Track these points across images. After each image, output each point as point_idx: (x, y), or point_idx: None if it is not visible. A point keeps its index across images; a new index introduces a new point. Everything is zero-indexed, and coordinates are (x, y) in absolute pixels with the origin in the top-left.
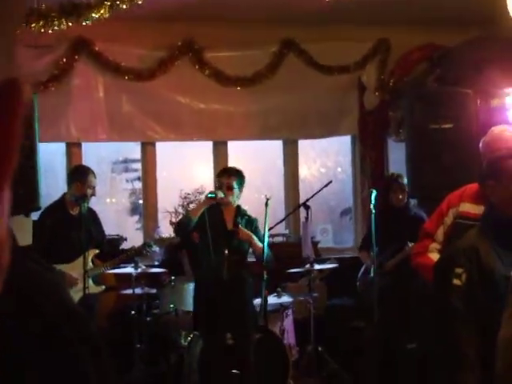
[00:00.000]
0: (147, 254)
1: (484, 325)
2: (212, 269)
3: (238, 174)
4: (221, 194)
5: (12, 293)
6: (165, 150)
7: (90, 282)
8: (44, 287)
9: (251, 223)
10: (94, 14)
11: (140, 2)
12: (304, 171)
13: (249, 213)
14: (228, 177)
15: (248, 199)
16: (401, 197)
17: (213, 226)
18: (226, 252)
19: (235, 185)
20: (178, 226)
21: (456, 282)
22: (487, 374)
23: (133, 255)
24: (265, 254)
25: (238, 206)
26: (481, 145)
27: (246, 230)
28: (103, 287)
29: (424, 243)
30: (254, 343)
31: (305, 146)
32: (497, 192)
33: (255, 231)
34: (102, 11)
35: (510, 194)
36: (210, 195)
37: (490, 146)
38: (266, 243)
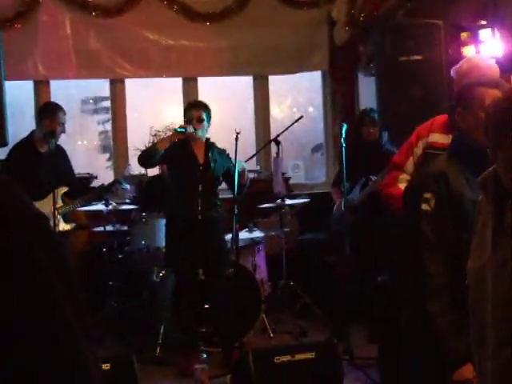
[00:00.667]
0: (117, 191)
1: (452, 250)
2: (185, 204)
3: (206, 107)
4: (190, 129)
5: None
6: (134, 88)
7: (61, 219)
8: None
9: (222, 154)
10: None
11: None
12: (275, 109)
13: (218, 145)
14: (197, 109)
15: (219, 136)
16: (372, 130)
17: (184, 161)
18: (200, 188)
19: (204, 117)
20: (143, 156)
21: (425, 206)
22: (457, 299)
23: (102, 192)
24: (236, 184)
25: (207, 140)
26: (454, 73)
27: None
28: (74, 225)
29: (393, 174)
30: (225, 279)
31: (275, 82)
32: (466, 119)
33: (229, 160)
34: None
35: (479, 121)
36: (179, 129)
37: (465, 75)
38: (236, 176)
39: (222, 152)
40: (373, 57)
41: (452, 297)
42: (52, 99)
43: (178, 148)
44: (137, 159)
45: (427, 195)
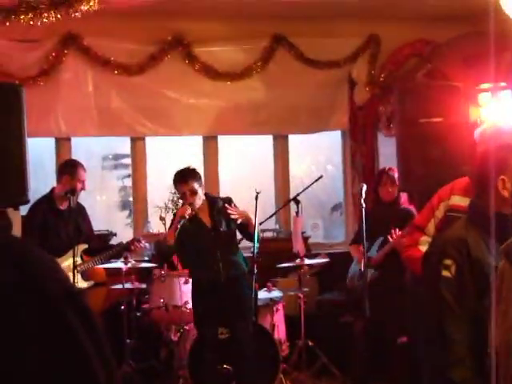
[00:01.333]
0: (136, 249)
1: (473, 316)
2: (208, 270)
3: (193, 175)
4: (188, 211)
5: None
6: (155, 145)
7: (79, 277)
8: (46, 265)
9: (225, 202)
10: (83, 7)
11: None
12: (294, 167)
13: (216, 196)
14: (186, 184)
15: (239, 195)
16: (391, 190)
17: (195, 234)
18: (218, 253)
19: (197, 187)
20: (161, 256)
21: (445, 273)
22: (479, 367)
23: (121, 250)
24: (255, 245)
25: (206, 196)
26: (477, 136)
27: (235, 209)
28: (92, 282)
29: (414, 236)
30: (250, 337)
31: (295, 141)
32: (508, 187)
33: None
34: (91, 3)
35: None
36: (181, 222)
37: (490, 139)
38: (256, 237)
39: (225, 201)
40: (392, 117)
41: (475, 365)
42: (73, 156)
43: (184, 226)
44: (152, 260)
45: (448, 262)
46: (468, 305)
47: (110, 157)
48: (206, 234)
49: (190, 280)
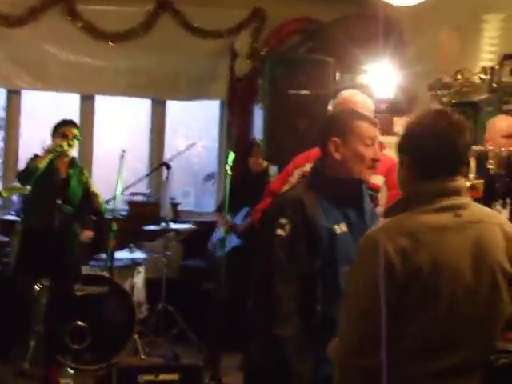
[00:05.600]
0: None
1: (303, 275)
2: (43, 216)
3: (77, 125)
4: (65, 146)
5: None
6: (31, 100)
7: None
8: None
9: (82, 174)
10: None
11: None
12: (171, 135)
13: (80, 164)
14: (72, 127)
15: (112, 157)
16: (260, 161)
17: (46, 174)
18: (59, 202)
19: (77, 134)
20: (24, 174)
21: (280, 232)
22: (306, 321)
23: None
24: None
25: (73, 158)
26: (330, 107)
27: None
28: None
29: (266, 201)
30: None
31: (174, 108)
32: (341, 150)
33: (83, 182)
34: None
35: (357, 153)
36: (59, 149)
37: (341, 108)
38: (118, 194)
39: (82, 173)
40: (263, 89)
41: (302, 322)
42: None
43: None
44: (16, 177)
45: (283, 221)
46: (299, 264)
47: None
48: (56, 180)
49: None
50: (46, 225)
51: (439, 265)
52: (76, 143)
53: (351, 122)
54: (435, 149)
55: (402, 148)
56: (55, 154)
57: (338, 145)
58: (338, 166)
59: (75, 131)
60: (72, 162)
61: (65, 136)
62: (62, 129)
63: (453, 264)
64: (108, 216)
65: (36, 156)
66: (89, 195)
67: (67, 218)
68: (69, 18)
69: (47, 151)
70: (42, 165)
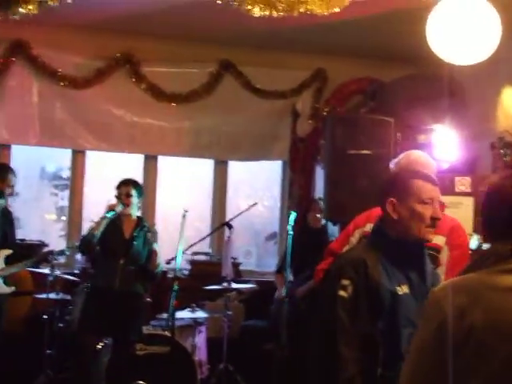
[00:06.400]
0: (51, 261)
1: (366, 337)
2: (105, 276)
3: (135, 184)
4: (119, 208)
5: None
6: (96, 160)
7: (1, 281)
8: None
9: (148, 233)
10: (21, 9)
11: (69, 1)
12: (233, 194)
13: (148, 225)
14: (126, 186)
15: (175, 216)
16: (318, 216)
17: (110, 235)
18: (122, 261)
19: (133, 193)
20: (83, 244)
21: (342, 293)
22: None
23: (37, 261)
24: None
25: (139, 218)
26: (393, 166)
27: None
28: (13, 288)
29: (327, 261)
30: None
31: (235, 168)
32: (399, 210)
33: (149, 242)
34: (30, 7)
35: (414, 213)
36: (109, 214)
37: (404, 168)
38: (179, 253)
39: (150, 233)
40: (323, 148)
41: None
42: (12, 164)
43: (108, 226)
44: (77, 248)
45: (345, 282)
46: (361, 325)
47: (50, 168)
48: (119, 240)
49: None
50: (109, 284)
51: (496, 322)
52: (135, 202)
53: (408, 181)
54: (503, 210)
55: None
56: (108, 219)
57: (395, 204)
58: (397, 226)
59: (130, 190)
60: (138, 222)
61: (119, 198)
62: (117, 190)
63: None
64: (170, 275)
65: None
66: (150, 253)
67: (129, 278)
68: (133, 79)
69: (100, 219)
70: (98, 231)
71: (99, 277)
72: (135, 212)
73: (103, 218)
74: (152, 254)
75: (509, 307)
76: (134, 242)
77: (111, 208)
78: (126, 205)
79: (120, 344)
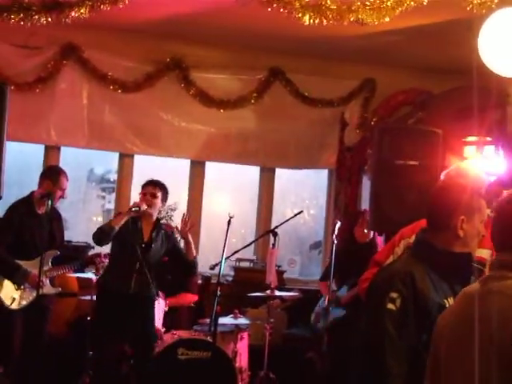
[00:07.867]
0: (98, 264)
1: (412, 350)
2: (120, 278)
3: (162, 187)
4: (144, 206)
5: None
6: (142, 164)
7: (47, 282)
8: None
9: (168, 239)
10: (74, 13)
11: (121, 6)
12: (279, 202)
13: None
14: (153, 187)
15: (220, 221)
16: (366, 231)
17: (130, 236)
18: (138, 265)
19: (159, 195)
20: (99, 233)
21: (390, 306)
22: None
23: (84, 263)
24: (222, 267)
25: (158, 220)
26: (443, 177)
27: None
28: (59, 289)
29: (372, 271)
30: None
31: (282, 175)
32: (465, 227)
33: (173, 248)
34: (82, 10)
35: (477, 231)
36: (134, 209)
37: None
38: (223, 259)
39: (168, 237)
40: (370, 158)
41: None
42: (61, 166)
43: (127, 224)
44: (92, 237)
45: (393, 295)
46: (408, 339)
47: (98, 171)
48: (138, 242)
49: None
50: (123, 288)
51: None
52: (159, 204)
53: (477, 201)
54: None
55: None
56: (131, 214)
57: (464, 222)
58: (457, 242)
59: (157, 191)
60: (156, 225)
61: (143, 196)
62: (142, 189)
63: None
64: (213, 281)
65: (118, 214)
66: (180, 254)
67: (145, 281)
68: (182, 85)
69: (124, 212)
70: (117, 225)
71: (113, 280)
72: (155, 214)
73: (127, 211)
74: (187, 244)
75: None
76: (152, 246)
77: (137, 205)
78: (150, 205)
79: (139, 349)
